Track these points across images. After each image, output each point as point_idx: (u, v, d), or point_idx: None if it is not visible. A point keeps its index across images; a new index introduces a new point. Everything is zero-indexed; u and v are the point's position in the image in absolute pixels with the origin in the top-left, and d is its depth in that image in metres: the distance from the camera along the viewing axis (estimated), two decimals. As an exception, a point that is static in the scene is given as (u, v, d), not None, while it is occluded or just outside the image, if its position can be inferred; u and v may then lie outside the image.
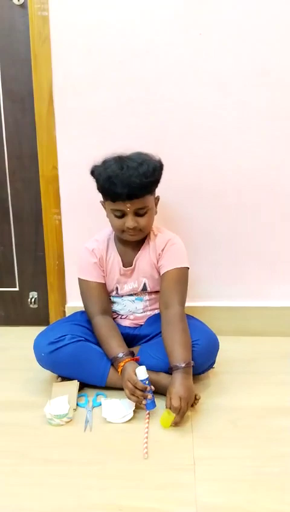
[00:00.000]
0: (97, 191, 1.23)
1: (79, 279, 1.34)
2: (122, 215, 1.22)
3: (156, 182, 1.22)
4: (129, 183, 1.14)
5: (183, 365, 1.13)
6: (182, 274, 1.29)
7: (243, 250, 1.56)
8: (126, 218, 1.21)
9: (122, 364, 1.17)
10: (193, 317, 1.34)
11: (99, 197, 1.25)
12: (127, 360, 1.17)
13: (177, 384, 1.10)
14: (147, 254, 1.32)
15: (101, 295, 1.32)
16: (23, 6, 1.42)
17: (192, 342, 1.20)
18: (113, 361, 1.21)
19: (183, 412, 1.09)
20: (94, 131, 1.47)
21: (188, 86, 1.41)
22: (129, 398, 1.13)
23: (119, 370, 1.17)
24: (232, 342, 1.50)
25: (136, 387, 1.12)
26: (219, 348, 1.26)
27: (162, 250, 1.30)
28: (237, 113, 1.43)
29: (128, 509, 0.86)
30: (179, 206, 1.51)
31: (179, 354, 1.15)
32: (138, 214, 1.22)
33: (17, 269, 1.69)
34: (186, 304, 1.28)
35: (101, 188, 1.21)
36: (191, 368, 1.15)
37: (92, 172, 1.23)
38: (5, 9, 1.43)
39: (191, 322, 1.28)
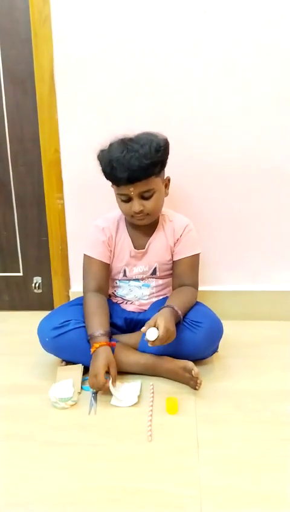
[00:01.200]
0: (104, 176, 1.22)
1: (84, 255, 1.33)
2: (128, 199, 1.21)
3: (158, 163, 1.17)
4: (129, 167, 1.12)
5: (174, 307, 1.17)
6: (196, 260, 1.34)
7: (248, 234, 1.55)
8: (132, 202, 1.20)
9: (97, 345, 1.16)
10: (198, 301, 1.34)
11: (102, 180, 1.23)
12: (103, 343, 1.17)
13: (166, 318, 1.12)
14: (163, 238, 1.32)
15: (100, 273, 1.32)
16: (23, -16, 1.38)
17: (196, 323, 1.20)
18: (89, 338, 1.20)
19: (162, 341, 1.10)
20: (97, 113, 1.44)
21: (191, 66, 1.38)
22: (90, 385, 1.15)
23: (92, 350, 1.17)
24: (237, 326, 1.50)
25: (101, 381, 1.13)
26: (222, 333, 1.25)
27: (181, 235, 1.31)
28: (241, 94, 1.40)
29: (132, 491, 0.87)
30: (183, 190, 1.49)
31: (175, 301, 1.21)
32: (143, 197, 1.20)
33: (21, 254, 1.69)
34: (191, 288, 1.28)
35: (104, 173, 1.20)
36: (178, 316, 1.18)
37: (98, 157, 1.21)
38: (4, -13, 1.40)
39: (196, 306, 1.29)
